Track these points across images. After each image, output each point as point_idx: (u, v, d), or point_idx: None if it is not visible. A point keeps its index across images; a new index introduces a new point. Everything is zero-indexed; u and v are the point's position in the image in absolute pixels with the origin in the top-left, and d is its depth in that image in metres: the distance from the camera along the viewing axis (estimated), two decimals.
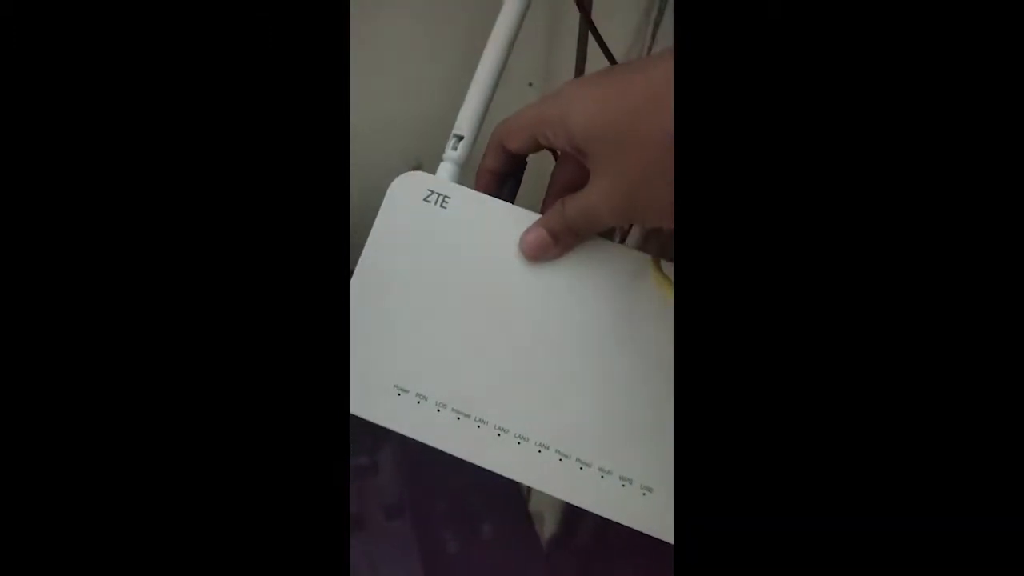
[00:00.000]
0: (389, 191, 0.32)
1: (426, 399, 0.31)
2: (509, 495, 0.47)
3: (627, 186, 0.27)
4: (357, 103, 0.29)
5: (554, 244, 0.31)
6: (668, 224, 0.28)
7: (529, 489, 0.62)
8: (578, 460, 0.31)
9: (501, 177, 0.33)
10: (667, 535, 0.30)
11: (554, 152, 0.33)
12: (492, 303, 0.32)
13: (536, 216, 0.31)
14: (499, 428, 0.31)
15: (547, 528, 0.70)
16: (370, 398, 0.31)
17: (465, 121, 0.33)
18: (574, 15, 0.41)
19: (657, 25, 0.46)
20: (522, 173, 0.34)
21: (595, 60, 0.44)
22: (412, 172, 0.32)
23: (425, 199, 0.32)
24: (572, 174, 0.31)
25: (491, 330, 0.31)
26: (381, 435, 0.48)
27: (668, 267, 0.31)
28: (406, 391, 0.31)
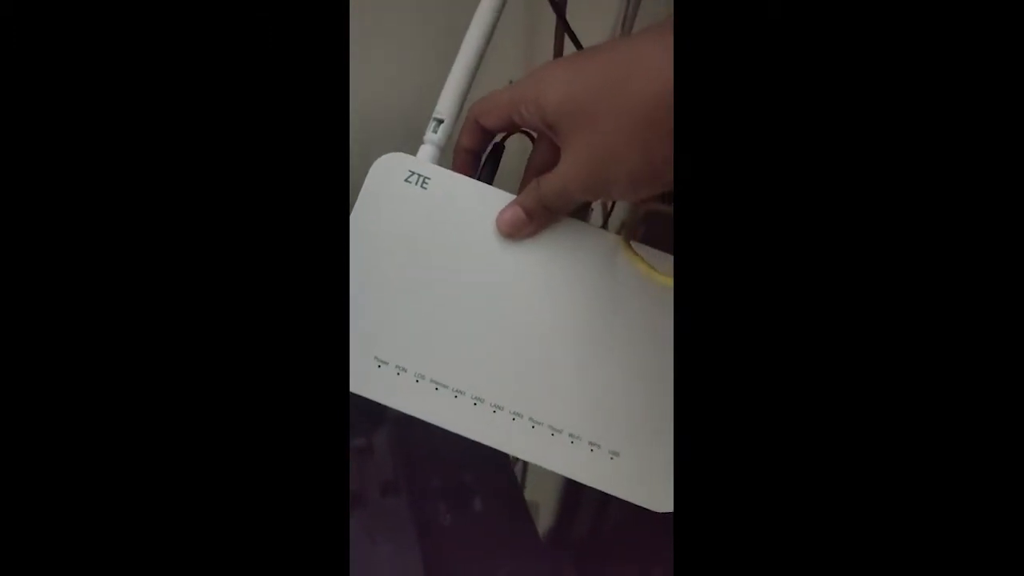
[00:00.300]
0: (371, 171, 0.33)
1: (406, 371, 0.33)
2: (499, 470, 0.49)
3: (595, 161, 0.28)
4: (354, 95, 0.30)
5: (529, 222, 0.32)
6: (634, 197, 0.29)
7: (524, 477, 0.63)
8: (550, 427, 0.32)
9: (476, 156, 0.34)
10: (632, 497, 0.32)
11: (531, 136, 0.34)
12: (469, 279, 0.33)
13: (512, 197, 0.33)
14: (475, 398, 0.32)
15: (542, 521, 0.72)
16: (352, 369, 0.32)
17: (445, 105, 0.34)
18: (552, 15, 0.43)
19: (631, 25, 0.48)
20: (499, 157, 0.35)
21: None
22: (393, 154, 0.34)
23: (406, 180, 0.33)
24: (547, 155, 0.32)
25: (468, 305, 0.33)
26: (377, 418, 0.49)
27: (641, 248, 0.33)
28: (386, 363, 0.33)
